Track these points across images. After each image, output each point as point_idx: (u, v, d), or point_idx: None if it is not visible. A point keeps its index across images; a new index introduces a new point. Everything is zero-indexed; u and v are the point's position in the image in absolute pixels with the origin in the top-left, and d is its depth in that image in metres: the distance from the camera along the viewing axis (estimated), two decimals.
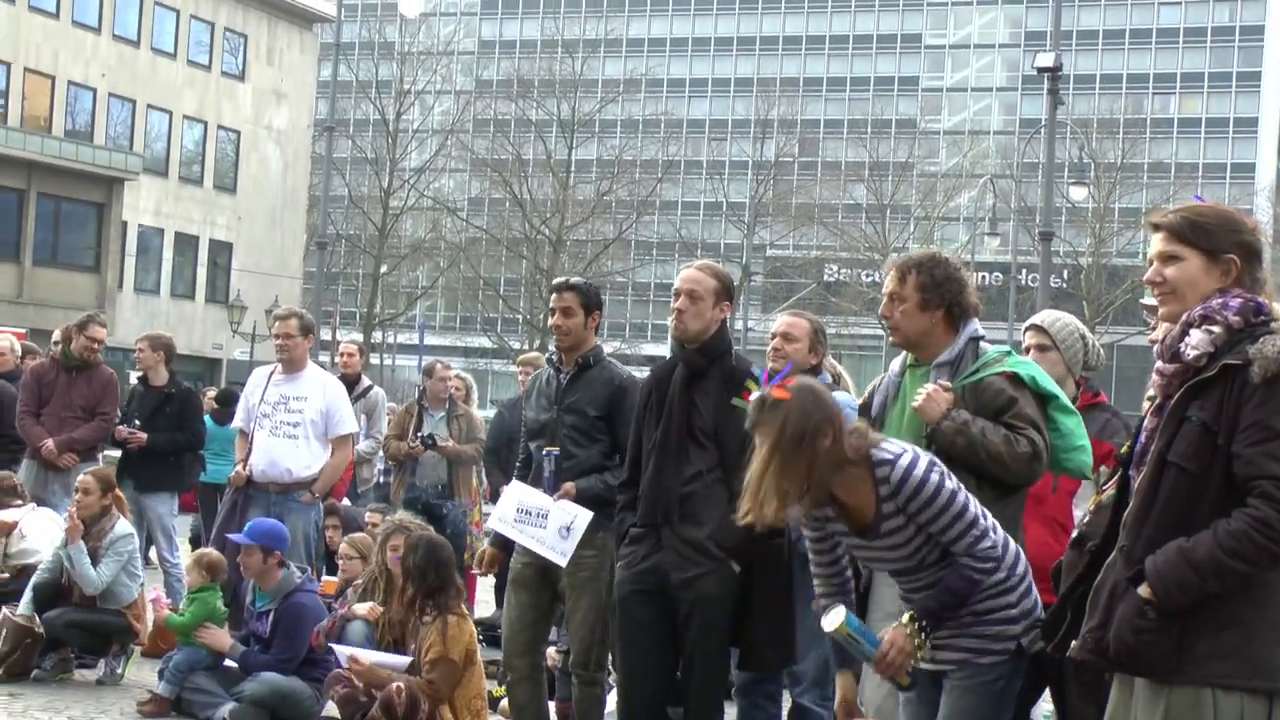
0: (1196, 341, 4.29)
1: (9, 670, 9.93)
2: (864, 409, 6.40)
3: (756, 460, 5.08)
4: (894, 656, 5.13)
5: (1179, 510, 4.22)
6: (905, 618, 5.15)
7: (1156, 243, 4.49)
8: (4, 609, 10.15)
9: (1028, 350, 7.04)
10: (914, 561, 5.16)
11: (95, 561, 10.16)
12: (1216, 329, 4.29)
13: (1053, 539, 6.34)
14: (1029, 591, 5.22)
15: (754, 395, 5.21)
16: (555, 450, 7.71)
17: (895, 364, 6.35)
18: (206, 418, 15.28)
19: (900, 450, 5.14)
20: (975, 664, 5.16)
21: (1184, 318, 4.37)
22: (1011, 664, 5.19)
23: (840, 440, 5.05)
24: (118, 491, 10.63)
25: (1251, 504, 4.13)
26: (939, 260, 6.08)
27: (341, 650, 8.57)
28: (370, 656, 8.68)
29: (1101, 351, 7.25)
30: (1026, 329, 7.15)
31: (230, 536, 9.70)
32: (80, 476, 10.62)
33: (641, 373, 8.27)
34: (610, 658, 7.81)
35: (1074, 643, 4.43)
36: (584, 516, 7.55)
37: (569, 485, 7.64)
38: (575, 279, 8.14)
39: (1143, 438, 4.44)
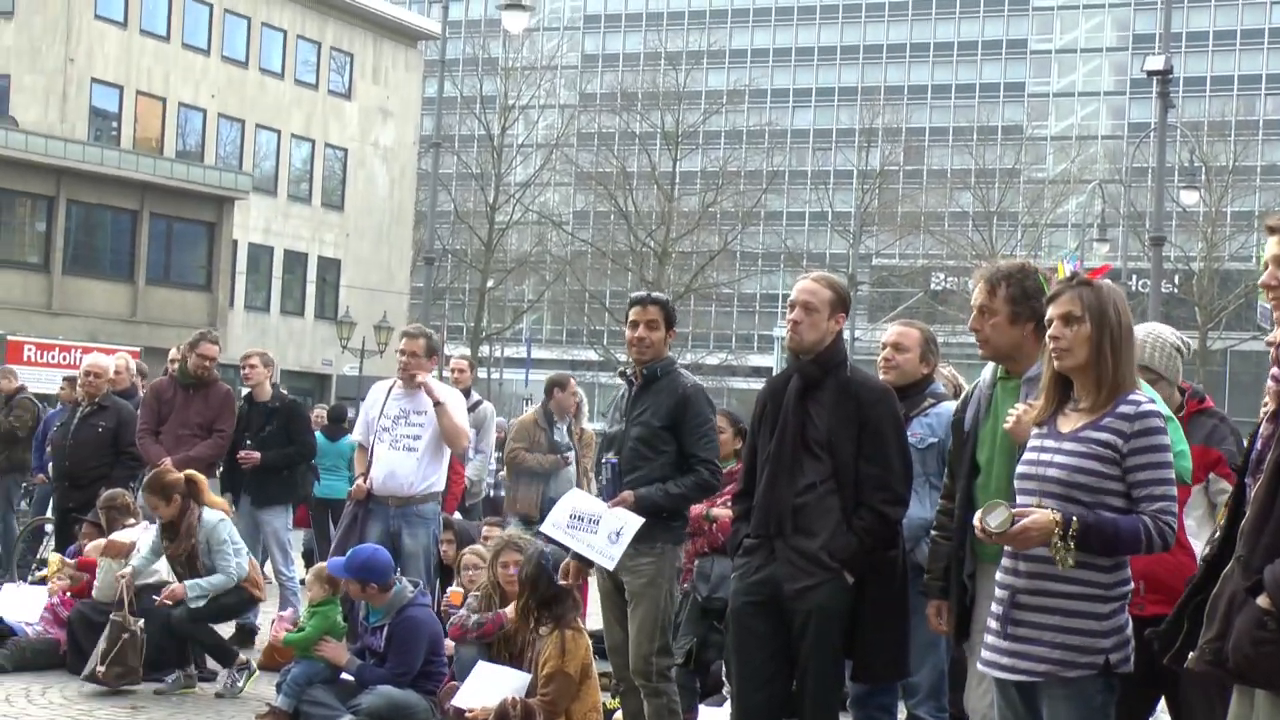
0: None
1: (111, 667, 10.06)
2: (957, 424, 6.33)
3: (1084, 337, 5.13)
4: (1020, 532, 4.96)
5: None
6: (1059, 515, 4.96)
7: (1272, 246, 4.42)
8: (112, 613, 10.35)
9: None
10: (1076, 479, 5.04)
11: (196, 557, 10.36)
12: None
13: (1167, 552, 6.25)
14: (1122, 610, 5.14)
15: (1066, 270, 5.29)
16: (615, 459, 7.79)
17: (986, 374, 6.28)
18: (319, 433, 15.45)
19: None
20: (1061, 677, 5.05)
21: None
22: (1101, 680, 5.08)
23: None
24: (175, 478, 10.58)
25: None
26: (1029, 271, 6.01)
27: (459, 703, 8.64)
28: (491, 670, 8.75)
29: (1191, 343, 7.11)
30: None
31: (330, 567, 9.77)
32: (147, 480, 10.76)
33: (746, 385, 8.30)
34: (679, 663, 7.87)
35: (1192, 654, 4.36)
36: (633, 523, 7.59)
37: (626, 494, 7.69)
38: (658, 294, 8.22)
39: (1259, 444, 4.37)
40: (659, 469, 7.77)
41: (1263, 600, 4.10)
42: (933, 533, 6.52)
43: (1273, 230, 4.43)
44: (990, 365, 6.25)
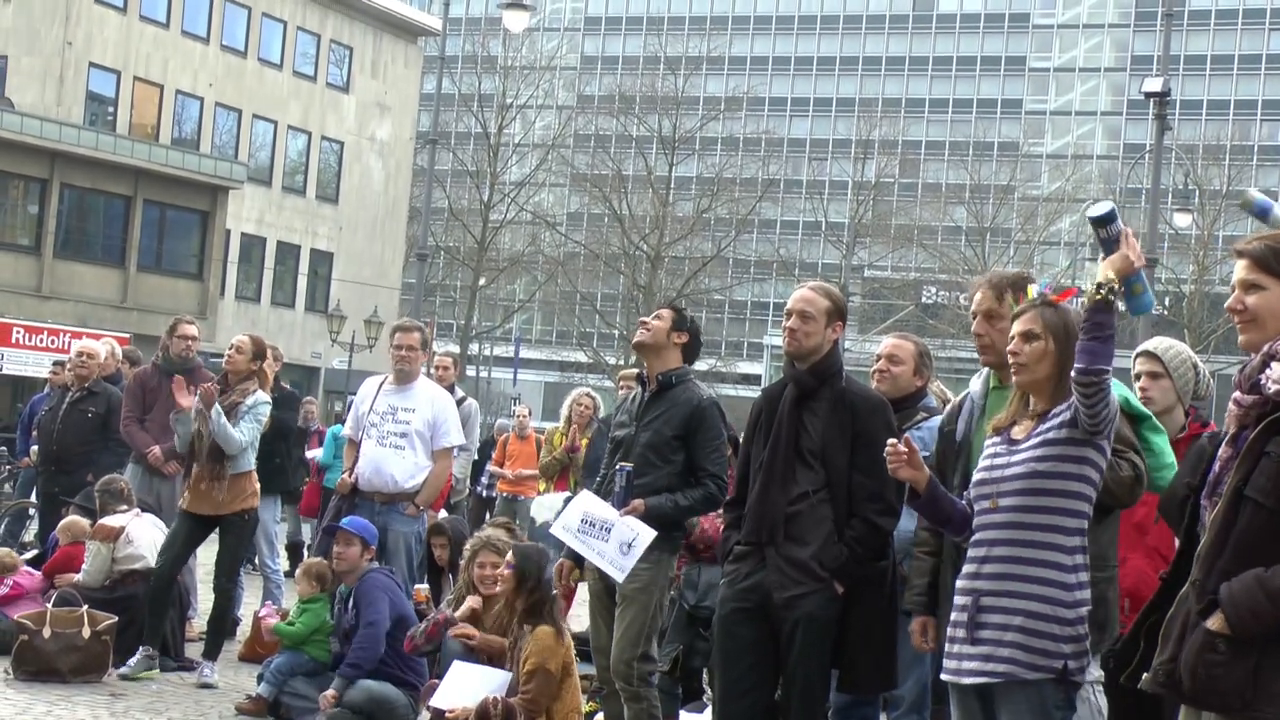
0: (1278, 375, 4.20)
1: (17, 665, 10.08)
2: (948, 434, 6.33)
3: (1040, 353, 5.30)
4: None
5: (1255, 545, 4.13)
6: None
7: (1239, 270, 4.41)
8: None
9: (1138, 377, 6.95)
10: (1035, 483, 5.15)
11: (234, 421, 10.39)
12: None
13: (1152, 569, 6.28)
14: (1083, 622, 5.17)
15: (1034, 292, 5.48)
16: (629, 466, 7.74)
17: (975, 384, 6.29)
18: None
19: None
20: (1020, 679, 5.09)
21: (1265, 349, 4.29)
22: (1059, 688, 5.12)
23: None
24: (266, 366, 10.80)
25: None
26: (1031, 280, 6.04)
27: (437, 703, 8.61)
28: (471, 670, 8.72)
29: (1212, 381, 7.15)
30: (1138, 355, 7.03)
31: (339, 524, 9.76)
32: (237, 337, 10.90)
33: (735, 391, 8.29)
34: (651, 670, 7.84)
35: (1146, 675, 4.35)
36: (646, 535, 7.54)
37: (638, 502, 7.65)
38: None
39: (1216, 467, 4.36)
40: (665, 478, 7.73)
41: (1213, 622, 4.09)
42: (915, 549, 6.52)
43: (1241, 254, 4.42)
44: (981, 375, 6.26)
